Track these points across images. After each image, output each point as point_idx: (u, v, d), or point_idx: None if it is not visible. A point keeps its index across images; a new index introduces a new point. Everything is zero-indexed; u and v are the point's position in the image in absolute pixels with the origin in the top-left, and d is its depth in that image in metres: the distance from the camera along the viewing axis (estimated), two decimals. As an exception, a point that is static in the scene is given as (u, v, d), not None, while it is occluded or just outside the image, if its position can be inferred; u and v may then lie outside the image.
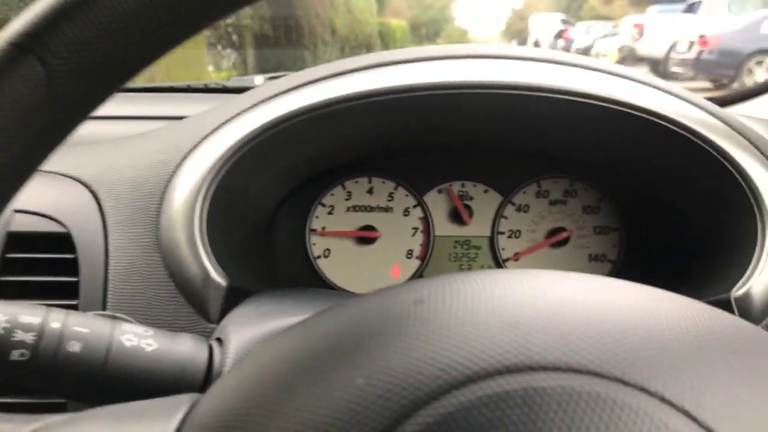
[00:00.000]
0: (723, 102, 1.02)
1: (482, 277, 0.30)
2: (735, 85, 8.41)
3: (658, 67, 10.42)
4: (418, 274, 0.72)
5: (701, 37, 8.99)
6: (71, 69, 0.27)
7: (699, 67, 9.00)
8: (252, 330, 0.45)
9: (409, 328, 0.27)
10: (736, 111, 1.01)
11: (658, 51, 10.48)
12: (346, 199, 0.72)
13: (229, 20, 10.40)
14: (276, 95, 0.58)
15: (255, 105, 0.57)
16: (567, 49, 18.08)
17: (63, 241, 0.54)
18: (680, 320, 0.27)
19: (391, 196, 0.73)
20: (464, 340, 0.25)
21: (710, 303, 0.53)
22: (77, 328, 0.40)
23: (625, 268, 0.71)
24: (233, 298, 0.52)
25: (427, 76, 0.57)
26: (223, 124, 0.57)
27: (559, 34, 18.97)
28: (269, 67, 10.13)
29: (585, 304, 0.27)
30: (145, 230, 0.54)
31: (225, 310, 0.51)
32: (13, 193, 0.28)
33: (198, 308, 0.52)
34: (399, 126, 0.65)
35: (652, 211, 0.69)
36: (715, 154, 0.55)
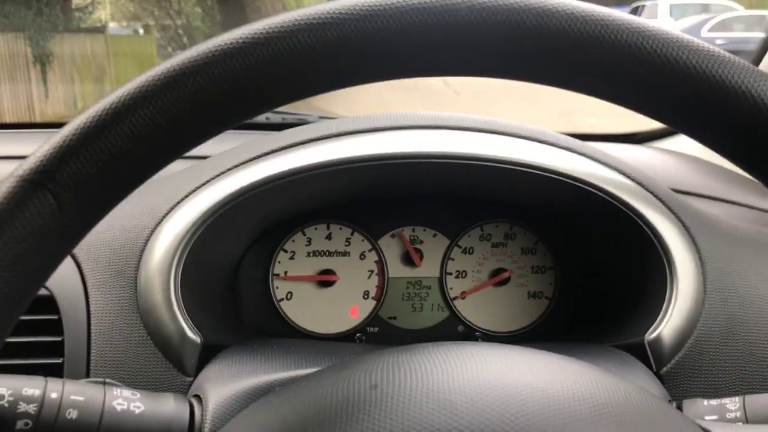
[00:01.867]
0: (648, 138, 1.12)
1: (425, 359, 0.37)
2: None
3: (605, 69, 10.72)
4: (375, 314, 0.79)
5: (645, 41, 9.30)
6: (79, 198, 0.33)
7: (643, 69, 9.30)
8: (228, 389, 0.51)
9: (367, 412, 0.33)
10: (661, 145, 1.11)
11: (604, 54, 10.78)
12: (307, 245, 0.78)
13: (179, 22, 10.30)
14: (244, 163, 0.64)
15: (225, 172, 0.63)
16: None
17: (47, 302, 0.59)
18: (580, 397, 0.34)
19: (348, 241, 0.79)
20: (408, 421, 0.32)
21: (627, 345, 0.61)
22: (73, 396, 0.45)
23: (560, 305, 0.79)
24: (207, 353, 0.58)
25: (380, 146, 0.64)
26: (196, 189, 0.62)
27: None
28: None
29: (506, 387, 0.34)
30: (123, 292, 0.59)
31: (200, 365, 0.57)
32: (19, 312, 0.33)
33: (175, 364, 0.57)
34: (356, 183, 0.72)
35: (581, 254, 0.78)
36: (631, 214, 0.63)
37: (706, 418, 0.49)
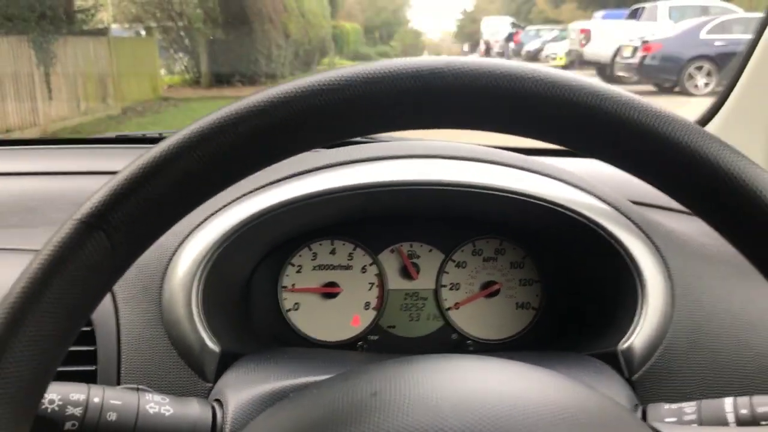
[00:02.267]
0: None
1: (418, 370, 0.44)
2: (677, 89, 8.83)
3: (605, 71, 10.82)
4: (375, 323, 0.85)
5: (644, 43, 9.38)
6: (128, 237, 0.39)
7: (643, 72, 9.40)
8: (245, 393, 0.57)
9: (368, 416, 0.40)
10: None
11: (604, 56, 10.88)
12: (312, 259, 0.85)
13: (181, 24, 10.37)
14: (261, 187, 0.71)
15: (241, 197, 0.70)
16: (518, 51, 18.55)
17: None
18: (545, 403, 0.41)
19: (350, 256, 0.86)
20: (403, 423, 0.38)
21: (602, 354, 0.67)
22: (112, 401, 0.52)
23: (546, 315, 0.86)
24: (225, 360, 0.64)
25: (384, 174, 0.71)
26: (215, 213, 0.69)
27: (510, 38, 19.44)
28: (222, 71, 10.19)
29: (485, 394, 0.41)
30: (149, 306, 0.66)
31: (219, 371, 0.64)
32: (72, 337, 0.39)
33: (197, 371, 0.64)
34: (359, 204, 0.79)
35: (564, 269, 0.84)
36: (605, 236, 0.70)
37: (666, 420, 0.56)
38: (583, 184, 0.73)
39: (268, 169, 0.72)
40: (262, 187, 0.71)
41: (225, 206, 0.70)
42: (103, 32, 8.63)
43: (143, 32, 10.29)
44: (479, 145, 0.81)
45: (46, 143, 1.18)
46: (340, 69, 0.39)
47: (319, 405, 0.44)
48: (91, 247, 0.38)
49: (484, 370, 0.45)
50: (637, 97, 0.40)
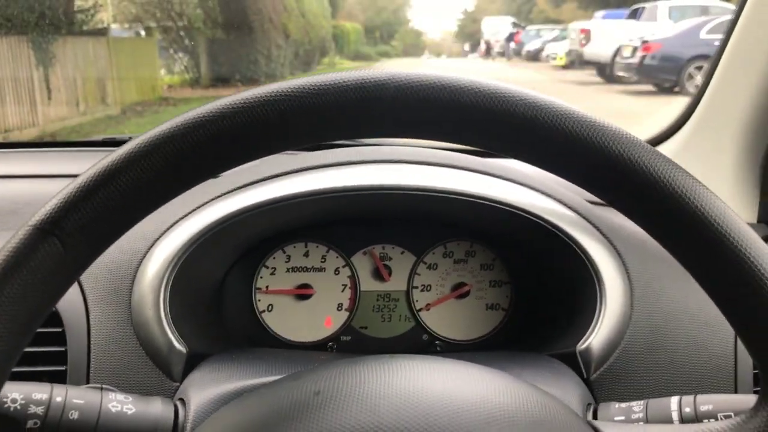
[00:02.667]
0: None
1: (361, 370, 0.45)
2: (677, 89, 8.83)
3: (605, 70, 10.83)
4: (348, 324, 0.87)
5: (644, 42, 9.38)
6: (81, 242, 0.41)
7: (642, 71, 9.41)
8: (207, 393, 0.59)
9: (309, 415, 0.41)
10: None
11: (604, 55, 10.89)
12: (286, 262, 0.87)
13: (181, 24, 10.39)
14: (230, 192, 0.72)
15: (211, 200, 0.72)
16: (518, 51, 18.57)
17: (52, 316, 0.67)
18: (482, 402, 0.42)
19: (323, 258, 0.87)
20: (339, 420, 0.40)
21: (561, 353, 0.69)
22: (75, 400, 0.53)
23: (515, 315, 0.88)
24: (193, 360, 0.66)
25: (355, 178, 0.73)
26: (184, 216, 0.71)
27: (511, 37, 19.45)
28: (222, 71, 10.20)
29: (422, 393, 0.42)
30: (119, 308, 0.68)
31: (186, 371, 0.66)
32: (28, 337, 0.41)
33: (164, 371, 0.66)
34: (332, 208, 0.80)
35: (532, 271, 0.86)
36: (568, 241, 0.71)
37: (616, 419, 0.58)
38: (544, 188, 0.75)
39: (239, 171, 0.75)
40: (233, 190, 0.72)
41: (196, 209, 0.71)
42: (102, 32, 8.63)
43: (143, 32, 10.29)
44: (447, 150, 0.83)
45: (36, 146, 1.20)
46: (294, 80, 0.40)
47: (266, 403, 0.45)
48: (45, 252, 0.39)
49: (428, 371, 0.46)
50: (573, 108, 0.42)
